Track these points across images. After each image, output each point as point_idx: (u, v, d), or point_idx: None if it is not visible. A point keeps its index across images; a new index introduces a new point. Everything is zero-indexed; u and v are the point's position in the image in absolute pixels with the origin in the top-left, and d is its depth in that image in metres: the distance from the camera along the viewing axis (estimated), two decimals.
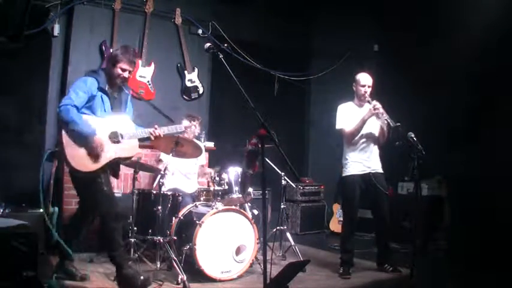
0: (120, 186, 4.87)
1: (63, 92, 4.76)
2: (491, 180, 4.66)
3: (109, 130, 3.33)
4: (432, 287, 3.86)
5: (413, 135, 3.63)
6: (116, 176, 3.59)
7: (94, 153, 3.24)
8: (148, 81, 5.09)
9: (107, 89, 3.36)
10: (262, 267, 2.64)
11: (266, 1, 6.22)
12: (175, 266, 3.56)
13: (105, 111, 3.35)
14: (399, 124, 3.86)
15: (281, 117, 6.39)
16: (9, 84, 4.47)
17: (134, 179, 4.00)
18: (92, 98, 3.28)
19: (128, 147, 3.42)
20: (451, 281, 3.97)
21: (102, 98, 3.33)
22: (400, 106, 4.45)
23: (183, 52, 5.39)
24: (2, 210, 4.00)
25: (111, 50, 4.83)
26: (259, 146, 2.53)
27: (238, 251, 3.80)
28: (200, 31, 5.56)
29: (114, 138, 3.34)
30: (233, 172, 4.10)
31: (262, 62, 6.04)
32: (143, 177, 4.85)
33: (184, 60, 5.40)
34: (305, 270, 3.98)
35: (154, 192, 4.01)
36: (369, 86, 4.12)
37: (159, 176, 3.84)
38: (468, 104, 5.04)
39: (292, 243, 4.46)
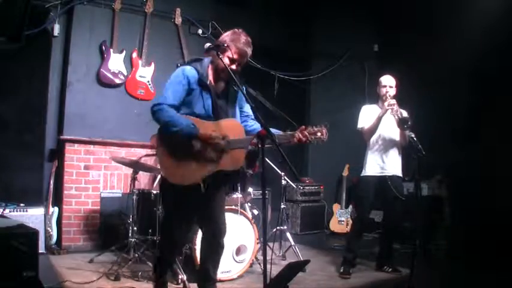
0: (120, 186, 4.87)
1: (63, 92, 4.76)
2: (491, 180, 4.66)
3: None
4: (432, 287, 3.86)
5: (413, 135, 3.63)
6: (222, 191, 3.00)
7: (201, 157, 2.67)
8: (148, 81, 5.08)
9: (208, 83, 2.75)
10: (262, 267, 2.63)
11: (266, 1, 6.22)
12: (175, 266, 3.56)
13: (204, 109, 2.73)
14: (407, 116, 3.91)
15: (281, 117, 6.38)
16: (10, 84, 4.48)
17: (134, 179, 4.00)
18: (190, 92, 2.71)
19: (235, 158, 2.75)
20: (450, 281, 3.97)
21: (202, 94, 2.73)
22: (400, 106, 4.45)
23: (183, 52, 5.39)
24: (2, 210, 4.01)
25: (111, 50, 4.84)
26: (259, 146, 2.53)
27: (238, 251, 3.80)
28: (200, 31, 5.56)
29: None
30: None
31: (262, 62, 6.03)
32: (143, 177, 4.85)
33: (184, 60, 5.39)
34: (305, 270, 3.98)
35: (154, 192, 4.01)
36: (390, 86, 4.09)
37: (159, 176, 3.83)
38: (468, 103, 5.04)
39: (292, 243, 4.46)
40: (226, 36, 2.77)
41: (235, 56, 2.71)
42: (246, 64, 2.84)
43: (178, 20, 5.37)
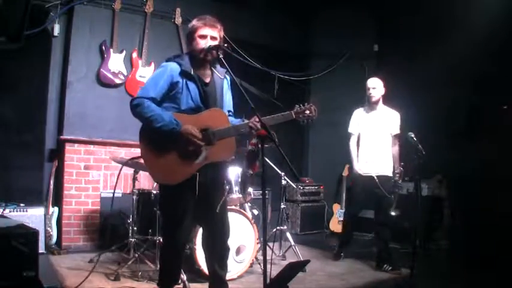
0: (120, 186, 4.87)
1: (63, 92, 4.76)
2: (491, 180, 4.66)
3: (199, 128, 2.66)
4: (432, 287, 3.86)
5: (413, 135, 3.63)
6: (220, 185, 2.91)
7: (185, 155, 2.61)
8: None
9: (192, 73, 2.71)
10: (262, 267, 2.63)
11: (266, 1, 6.22)
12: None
13: (192, 101, 2.68)
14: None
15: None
16: (10, 84, 4.48)
17: (134, 179, 4.00)
18: (174, 85, 2.66)
19: (224, 148, 2.72)
20: (451, 281, 3.97)
21: (187, 85, 2.68)
22: (400, 106, 4.45)
23: (183, 52, 5.39)
24: (2, 210, 4.01)
25: (111, 50, 4.83)
26: (259, 146, 2.53)
27: (238, 251, 3.80)
28: None
29: (206, 138, 2.67)
30: (233, 172, 4.10)
31: (262, 62, 6.03)
32: (143, 177, 4.84)
33: None
34: (305, 270, 3.99)
35: (154, 192, 4.01)
36: (373, 88, 4.30)
37: None
38: (468, 103, 5.05)
39: (292, 243, 4.46)
40: (190, 23, 2.82)
41: (205, 31, 2.73)
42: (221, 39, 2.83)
43: (178, 20, 5.36)
